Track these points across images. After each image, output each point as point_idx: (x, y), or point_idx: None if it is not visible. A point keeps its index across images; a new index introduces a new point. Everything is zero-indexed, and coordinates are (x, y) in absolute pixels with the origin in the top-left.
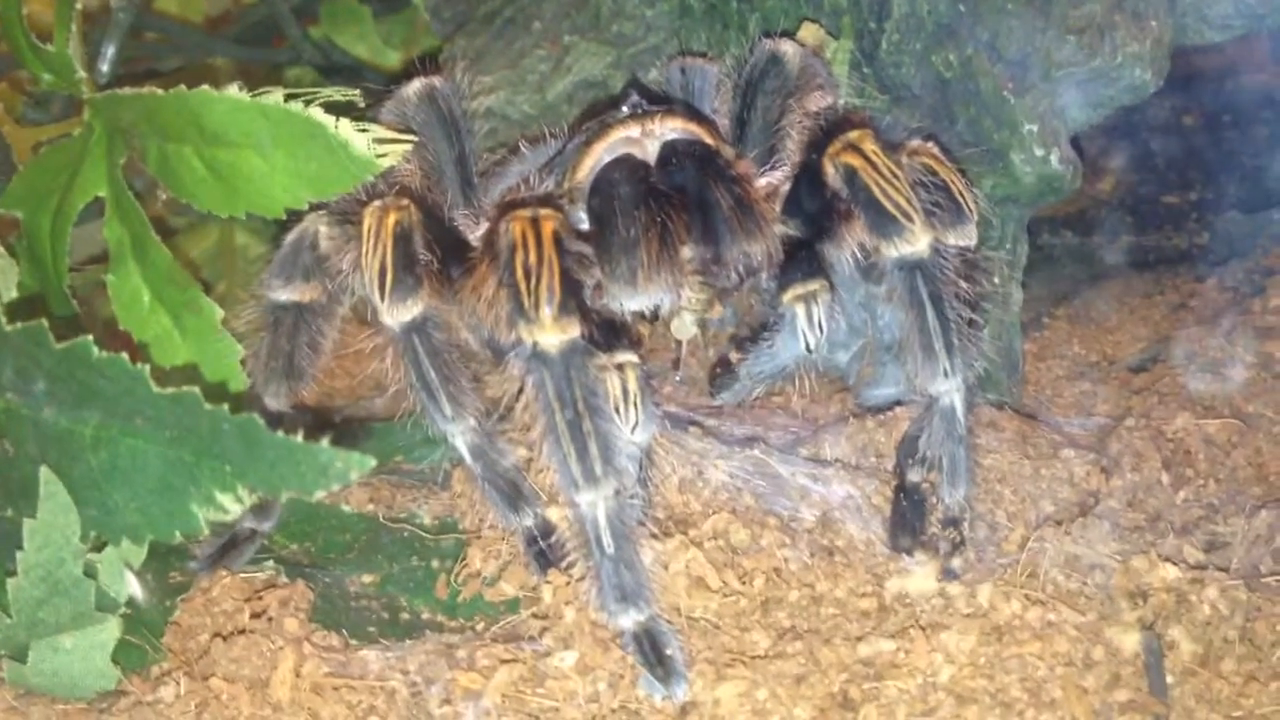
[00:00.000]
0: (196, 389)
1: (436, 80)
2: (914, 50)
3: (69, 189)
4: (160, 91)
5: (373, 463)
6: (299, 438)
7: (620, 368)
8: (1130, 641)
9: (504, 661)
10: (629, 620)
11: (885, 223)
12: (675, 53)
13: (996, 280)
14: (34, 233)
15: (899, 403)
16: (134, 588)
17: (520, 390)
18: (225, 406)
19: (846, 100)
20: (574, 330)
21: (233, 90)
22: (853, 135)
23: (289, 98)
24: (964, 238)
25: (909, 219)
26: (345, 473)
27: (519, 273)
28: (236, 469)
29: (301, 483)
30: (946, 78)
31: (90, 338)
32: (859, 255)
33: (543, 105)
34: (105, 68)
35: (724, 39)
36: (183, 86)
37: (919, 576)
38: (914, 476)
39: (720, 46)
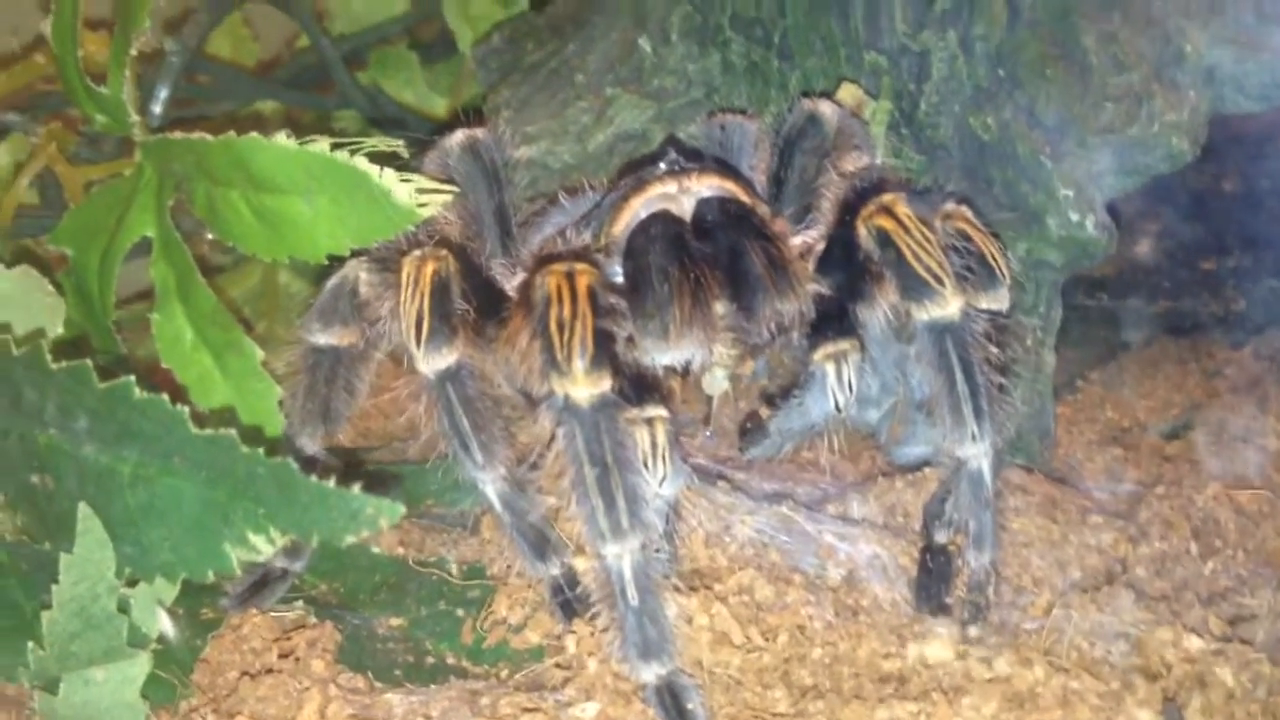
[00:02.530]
0: (233, 431)
1: (479, 132)
2: (952, 112)
3: (118, 228)
4: (210, 138)
5: (402, 510)
6: (331, 483)
7: (650, 422)
8: (1152, 713)
9: (526, 710)
10: (651, 674)
11: (916, 286)
12: (715, 109)
13: (1029, 344)
14: (82, 270)
15: (928, 462)
16: (165, 625)
17: (550, 440)
18: (261, 450)
19: (884, 161)
20: (605, 384)
21: (280, 138)
22: (886, 199)
23: (335, 146)
24: (996, 302)
25: (940, 283)
26: (375, 519)
27: (553, 326)
28: (269, 511)
29: (332, 528)
30: (984, 140)
31: (132, 378)
32: (891, 316)
33: (583, 156)
34: (158, 109)
35: (765, 96)
36: (232, 133)
37: (938, 645)
38: (940, 538)
39: (761, 104)
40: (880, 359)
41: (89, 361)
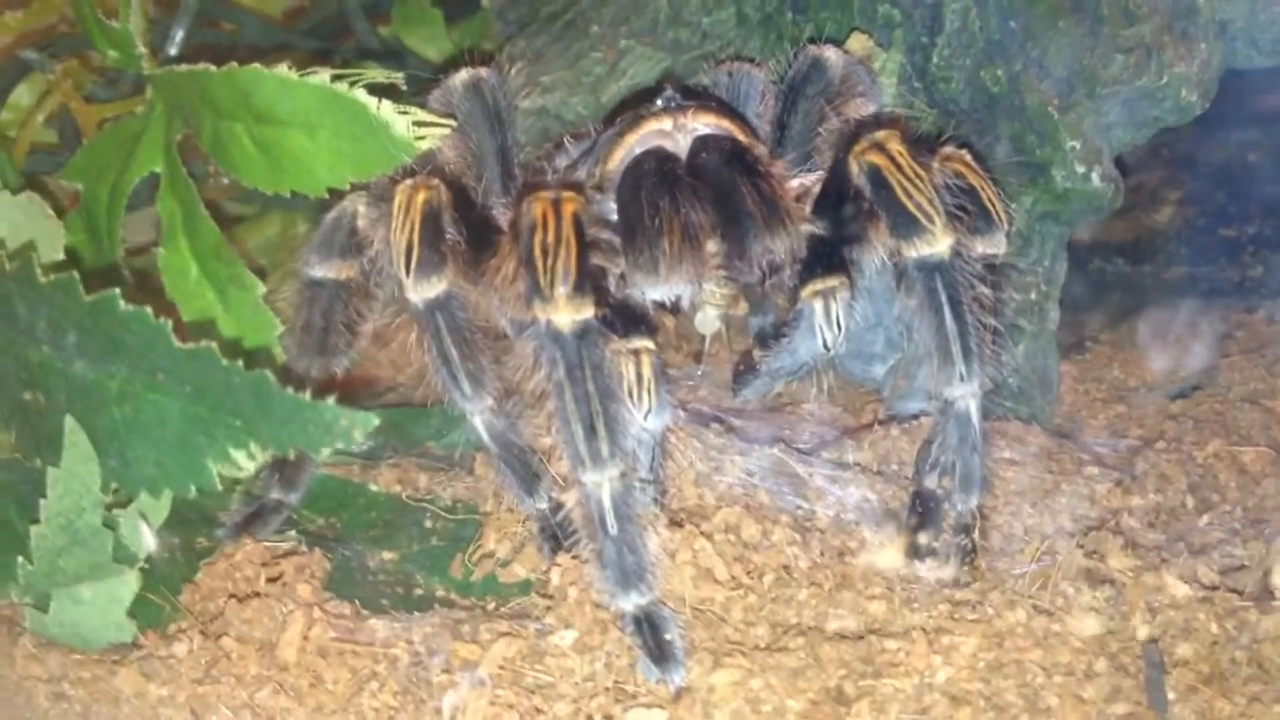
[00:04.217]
0: (214, 344)
1: (484, 71)
2: (964, 66)
3: (127, 163)
4: (214, 68)
5: (376, 421)
6: (307, 395)
7: (636, 353)
8: (1133, 656)
9: (504, 635)
10: (629, 603)
11: (906, 223)
12: (724, 57)
13: (1033, 296)
14: (91, 204)
15: (927, 413)
16: (148, 540)
17: (534, 368)
18: (240, 362)
19: (892, 111)
20: (588, 311)
21: (282, 69)
22: (879, 134)
23: (335, 78)
24: (992, 246)
25: (930, 220)
26: (349, 431)
27: (537, 251)
28: (248, 424)
29: (308, 440)
30: (994, 93)
31: (118, 291)
32: (886, 258)
33: (596, 107)
34: (173, 51)
35: (778, 49)
36: (234, 63)
37: (922, 586)
38: (929, 483)
39: (774, 57)
40: (885, 313)
41: (75, 274)
